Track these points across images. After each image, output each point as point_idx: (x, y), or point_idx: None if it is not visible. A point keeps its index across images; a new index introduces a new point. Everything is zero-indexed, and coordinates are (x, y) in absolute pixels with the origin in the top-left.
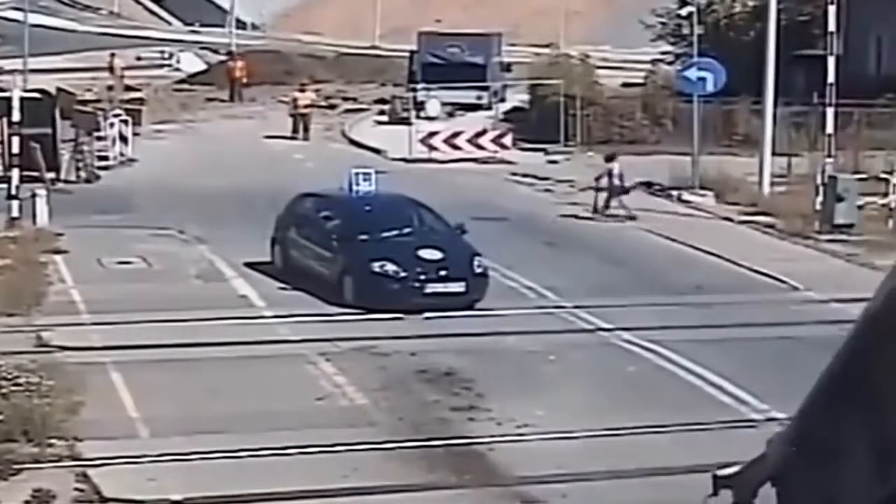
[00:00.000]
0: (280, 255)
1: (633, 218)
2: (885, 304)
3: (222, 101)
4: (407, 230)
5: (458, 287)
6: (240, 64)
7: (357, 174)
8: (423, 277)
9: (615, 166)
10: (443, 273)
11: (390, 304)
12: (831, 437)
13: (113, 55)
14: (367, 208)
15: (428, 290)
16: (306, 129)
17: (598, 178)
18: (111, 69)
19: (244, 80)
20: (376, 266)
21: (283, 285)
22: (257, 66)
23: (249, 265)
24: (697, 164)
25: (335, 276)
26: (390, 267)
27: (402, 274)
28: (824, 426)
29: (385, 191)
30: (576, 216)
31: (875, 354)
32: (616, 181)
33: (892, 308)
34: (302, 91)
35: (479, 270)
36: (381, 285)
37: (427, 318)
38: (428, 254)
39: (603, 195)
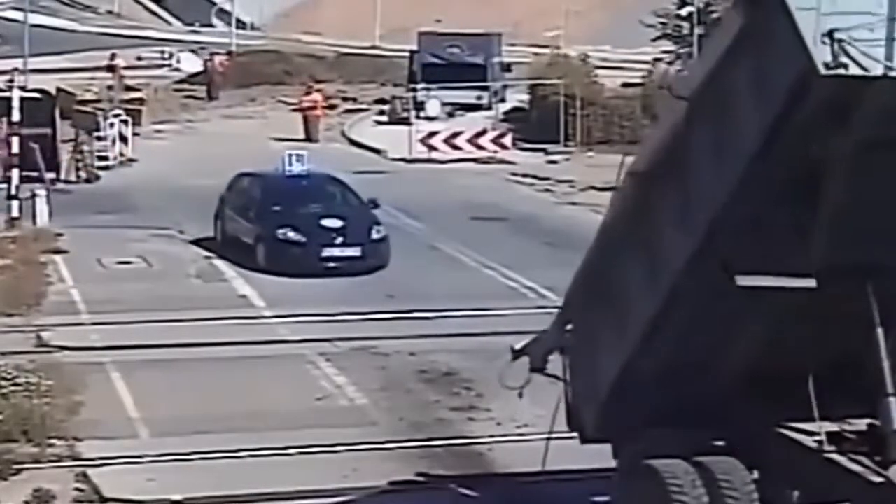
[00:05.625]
0: (219, 228)
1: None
2: (612, 214)
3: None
4: (318, 203)
5: (354, 251)
6: (217, 62)
7: (290, 155)
8: (322, 243)
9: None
10: (340, 239)
11: (293, 267)
12: (587, 318)
13: (114, 55)
14: (291, 185)
15: (325, 255)
16: (314, 133)
17: None
18: (111, 69)
19: (217, 80)
20: (280, 233)
21: (208, 254)
22: (257, 67)
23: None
24: None
25: (251, 244)
26: (292, 234)
27: (303, 240)
28: (581, 308)
29: (316, 170)
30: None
31: (610, 255)
32: None
33: (621, 215)
34: (308, 94)
35: (376, 237)
36: (285, 250)
37: (427, 318)
38: (329, 222)
39: None
